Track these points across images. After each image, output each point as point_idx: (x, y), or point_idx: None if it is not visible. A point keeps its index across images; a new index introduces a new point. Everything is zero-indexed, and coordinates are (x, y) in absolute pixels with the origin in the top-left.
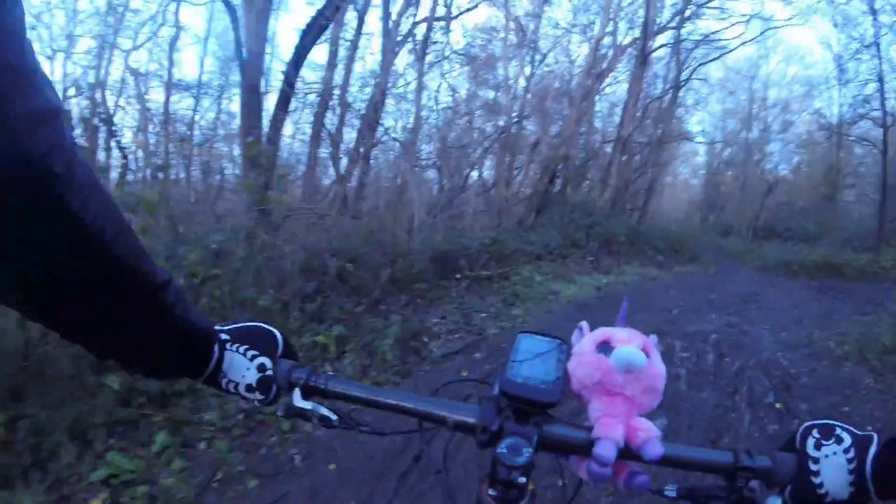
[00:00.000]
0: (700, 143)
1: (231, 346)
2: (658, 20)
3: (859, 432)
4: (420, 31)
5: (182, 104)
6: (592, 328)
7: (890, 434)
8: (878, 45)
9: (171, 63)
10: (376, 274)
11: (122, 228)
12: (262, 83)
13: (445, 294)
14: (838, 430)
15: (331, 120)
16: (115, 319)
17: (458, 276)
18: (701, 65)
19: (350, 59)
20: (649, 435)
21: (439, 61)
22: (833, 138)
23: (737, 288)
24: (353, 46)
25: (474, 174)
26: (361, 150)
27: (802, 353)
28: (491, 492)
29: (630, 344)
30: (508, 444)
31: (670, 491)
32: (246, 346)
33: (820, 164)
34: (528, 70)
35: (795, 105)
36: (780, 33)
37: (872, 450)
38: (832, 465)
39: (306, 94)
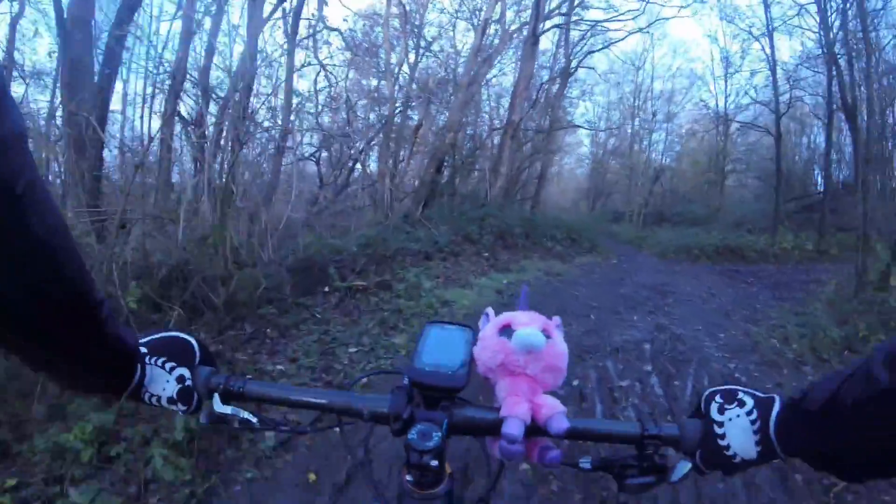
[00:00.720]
0: (590, 129)
1: (150, 359)
2: (548, 7)
3: (761, 394)
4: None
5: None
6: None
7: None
8: (770, 34)
9: (13, 45)
10: (207, 300)
11: (70, 247)
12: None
13: (307, 317)
14: (740, 394)
15: (192, 107)
16: (54, 334)
17: (327, 289)
18: (589, 53)
19: (212, 36)
20: (553, 411)
21: (310, 37)
22: (720, 127)
23: (646, 278)
24: (215, 22)
25: (359, 167)
26: (223, 140)
27: (754, 361)
28: (408, 478)
29: (530, 326)
30: (418, 430)
31: (585, 463)
32: (164, 359)
33: (705, 152)
34: (412, 57)
35: (679, 96)
36: (666, 27)
37: (775, 409)
38: (736, 427)
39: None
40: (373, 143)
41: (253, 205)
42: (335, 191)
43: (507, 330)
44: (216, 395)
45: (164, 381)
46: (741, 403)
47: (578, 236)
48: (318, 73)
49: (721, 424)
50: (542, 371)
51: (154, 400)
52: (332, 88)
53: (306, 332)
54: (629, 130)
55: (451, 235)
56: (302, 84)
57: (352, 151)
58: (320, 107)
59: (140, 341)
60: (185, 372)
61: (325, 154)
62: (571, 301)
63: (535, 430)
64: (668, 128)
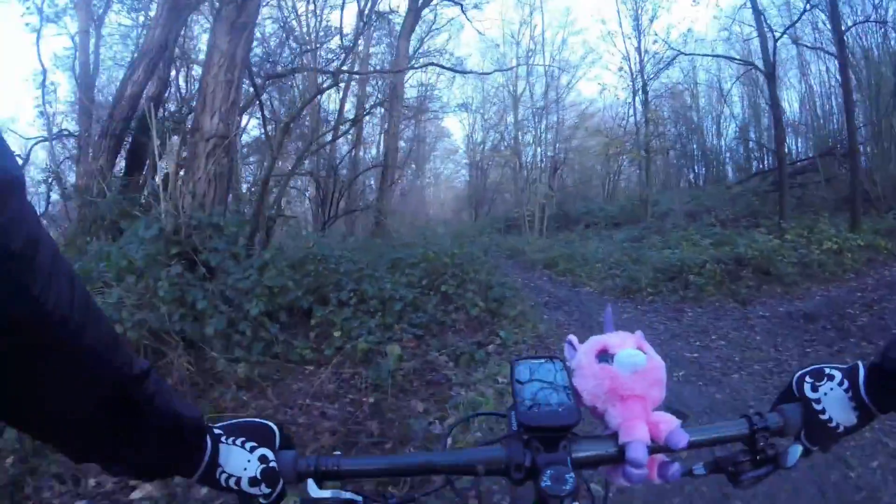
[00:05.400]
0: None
1: (226, 439)
2: None
3: (845, 366)
4: None
5: None
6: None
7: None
8: None
9: None
10: None
11: (90, 315)
12: None
13: None
14: (827, 370)
15: None
16: (89, 417)
17: None
18: None
19: None
20: (671, 426)
21: None
22: (636, 93)
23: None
24: None
25: None
26: None
27: None
28: None
29: (627, 346)
30: (551, 475)
31: (699, 469)
32: (243, 439)
33: (609, 133)
34: None
35: (567, 75)
36: None
37: (861, 375)
38: (833, 399)
39: None
40: None
41: None
42: None
43: (604, 354)
44: (310, 480)
45: (244, 461)
46: (830, 377)
47: (458, 284)
48: None
49: (818, 401)
50: (650, 388)
51: (232, 482)
52: None
53: None
54: (510, 120)
55: None
56: None
57: None
58: None
59: (213, 425)
60: (269, 453)
61: None
62: None
63: (654, 448)
64: (559, 108)
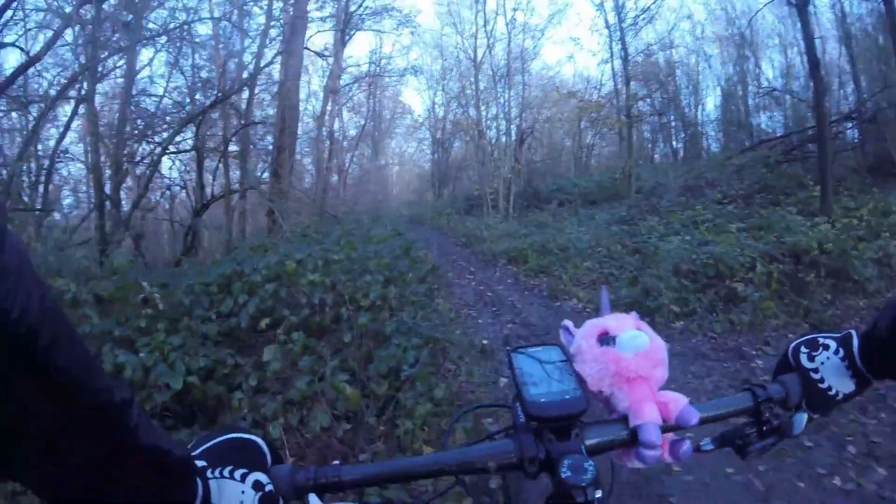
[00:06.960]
0: None
1: (213, 472)
2: None
3: (838, 334)
4: None
5: None
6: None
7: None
8: None
9: None
10: None
11: (63, 332)
12: None
13: None
14: (822, 339)
15: None
16: (64, 450)
17: None
18: None
19: None
20: (680, 405)
21: None
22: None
23: None
24: None
25: None
26: None
27: None
28: None
29: (627, 328)
30: (570, 465)
31: (707, 444)
32: (231, 467)
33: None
34: None
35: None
36: None
37: (855, 344)
38: (830, 368)
39: None
40: None
41: None
42: None
43: (605, 337)
44: (312, 495)
45: (238, 493)
46: (826, 347)
47: (320, 338)
48: None
49: (816, 371)
50: (653, 368)
51: None
52: None
53: None
54: (470, 91)
55: None
56: None
57: None
58: None
59: (194, 453)
60: (262, 477)
61: None
62: None
63: (665, 428)
64: (524, 73)
